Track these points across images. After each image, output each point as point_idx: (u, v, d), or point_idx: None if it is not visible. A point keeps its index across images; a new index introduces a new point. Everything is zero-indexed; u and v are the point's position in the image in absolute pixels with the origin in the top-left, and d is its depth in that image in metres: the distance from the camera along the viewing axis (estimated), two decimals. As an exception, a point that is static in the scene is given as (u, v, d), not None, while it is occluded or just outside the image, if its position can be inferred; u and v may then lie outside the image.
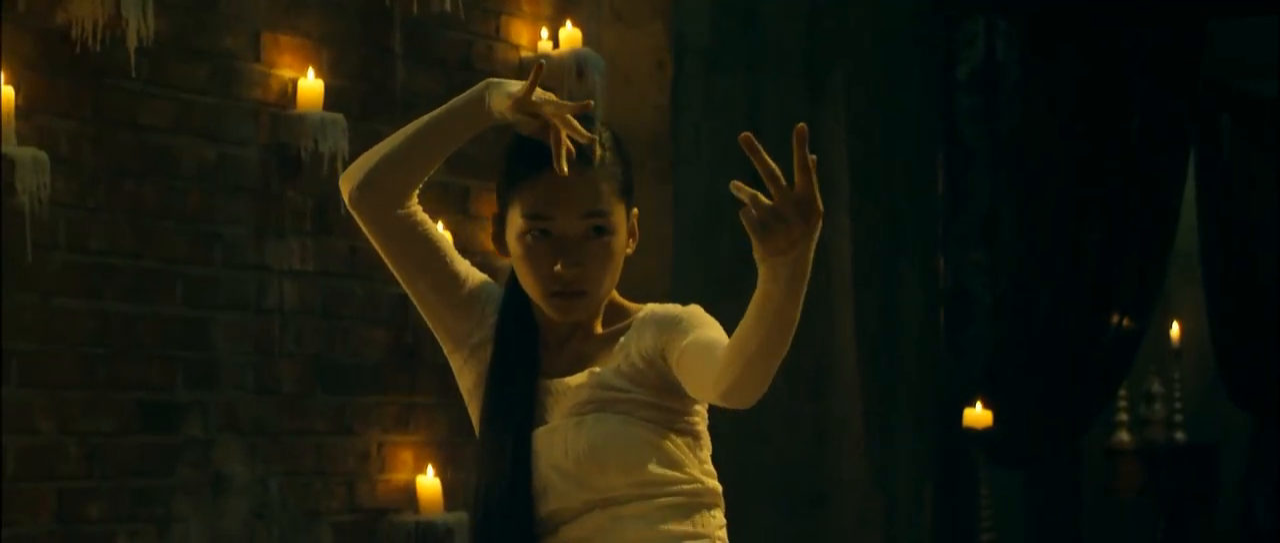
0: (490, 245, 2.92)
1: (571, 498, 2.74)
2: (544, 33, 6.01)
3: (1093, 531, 10.23)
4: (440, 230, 2.85)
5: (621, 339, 2.76)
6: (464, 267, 2.85)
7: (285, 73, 5.27)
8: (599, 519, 2.74)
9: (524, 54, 5.97)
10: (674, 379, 2.71)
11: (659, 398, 2.74)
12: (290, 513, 5.25)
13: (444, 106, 2.77)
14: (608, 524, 2.73)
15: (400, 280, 2.84)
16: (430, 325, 2.87)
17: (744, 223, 2.39)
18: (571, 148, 2.68)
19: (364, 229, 2.81)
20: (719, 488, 2.81)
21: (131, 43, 4.68)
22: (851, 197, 7.14)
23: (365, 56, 5.52)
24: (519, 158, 2.74)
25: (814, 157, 2.37)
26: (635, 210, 2.79)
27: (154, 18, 4.72)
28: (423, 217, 2.81)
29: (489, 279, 2.87)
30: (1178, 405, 10.17)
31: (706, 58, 6.51)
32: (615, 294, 2.81)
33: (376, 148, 2.80)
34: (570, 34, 5.93)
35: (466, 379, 2.85)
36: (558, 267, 2.72)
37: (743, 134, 2.37)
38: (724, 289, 6.21)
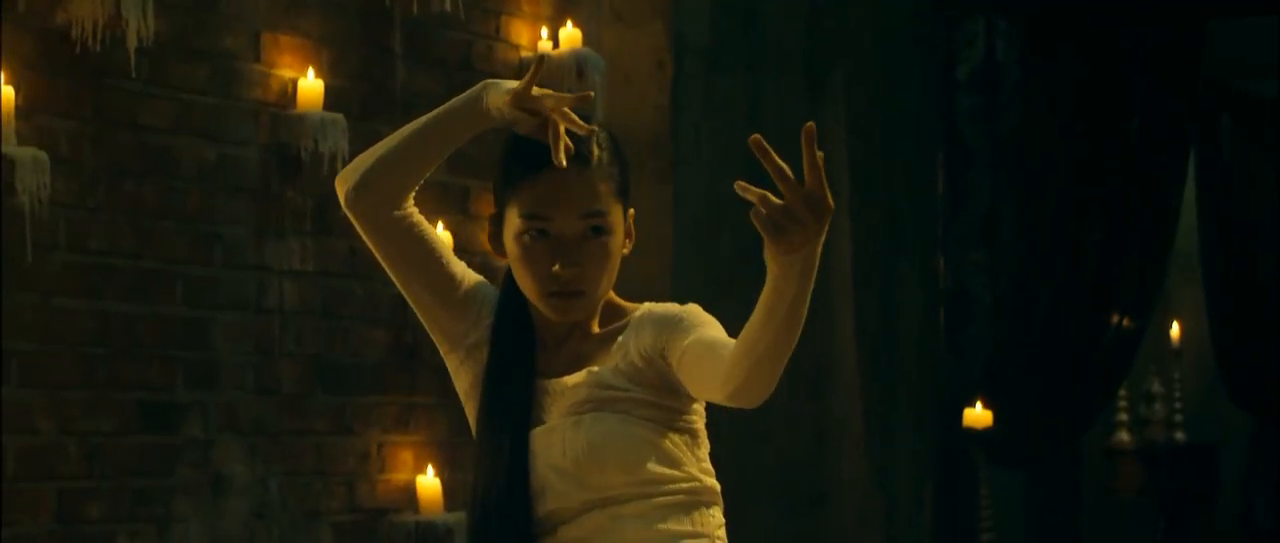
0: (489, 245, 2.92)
1: (570, 498, 2.74)
2: (544, 33, 6.02)
3: (1093, 531, 10.23)
4: (437, 232, 2.85)
5: (619, 338, 2.76)
6: (460, 268, 2.85)
7: (285, 73, 5.28)
8: (598, 519, 2.74)
9: (524, 54, 5.98)
10: (673, 378, 2.71)
11: (658, 397, 2.74)
12: (290, 513, 5.25)
13: (441, 108, 2.77)
14: (607, 524, 2.74)
15: (396, 282, 2.84)
16: (426, 327, 2.87)
17: (755, 223, 2.40)
18: (570, 144, 2.68)
19: (360, 230, 2.81)
20: (717, 486, 2.81)
21: (131, 43, 4.68)
22: (851, 197, 7.14)
23: (365, 56, 5.52)
24: (517, 158, 2.74)
25: (821, 153, 2.38)
26: (632, 211, 2.79)
27: (154, 18, 4.72)
28: (419, 218, 2.81)
29: (484, 280, 2.87)
30: (1178, 406, 10.17)
31: (706, 58, 6.51)
32: (612, 294, 2.81)
33: (373, 149, 2.80)
34: (570, 34, 5.94)
35: (463, 380, 2.85)
36: (556, 267, 2.72)
37: (753, 136, 2.38)
38: (724, 289, 6.21)
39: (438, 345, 2.87)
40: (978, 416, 7.86)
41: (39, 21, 4.65)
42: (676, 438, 2.76)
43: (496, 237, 2.80)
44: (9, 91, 4.45)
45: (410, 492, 5.54)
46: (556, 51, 5.91)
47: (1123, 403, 9.95)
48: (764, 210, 2.39)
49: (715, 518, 2.80)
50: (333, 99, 5.32)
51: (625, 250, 2.79)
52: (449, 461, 5.63)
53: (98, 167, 4.79)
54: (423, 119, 2.78)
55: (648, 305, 2.79)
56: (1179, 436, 10.15)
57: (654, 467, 2.73)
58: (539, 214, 2.72)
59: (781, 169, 2.38)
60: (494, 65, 5.88)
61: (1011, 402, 8.08)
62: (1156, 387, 10.17)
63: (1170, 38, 8.62)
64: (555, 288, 2.74)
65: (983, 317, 8.23)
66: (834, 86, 7.11)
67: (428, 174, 2.78)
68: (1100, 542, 10.25)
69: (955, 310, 8.20)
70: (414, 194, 2.80)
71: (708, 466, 2.80)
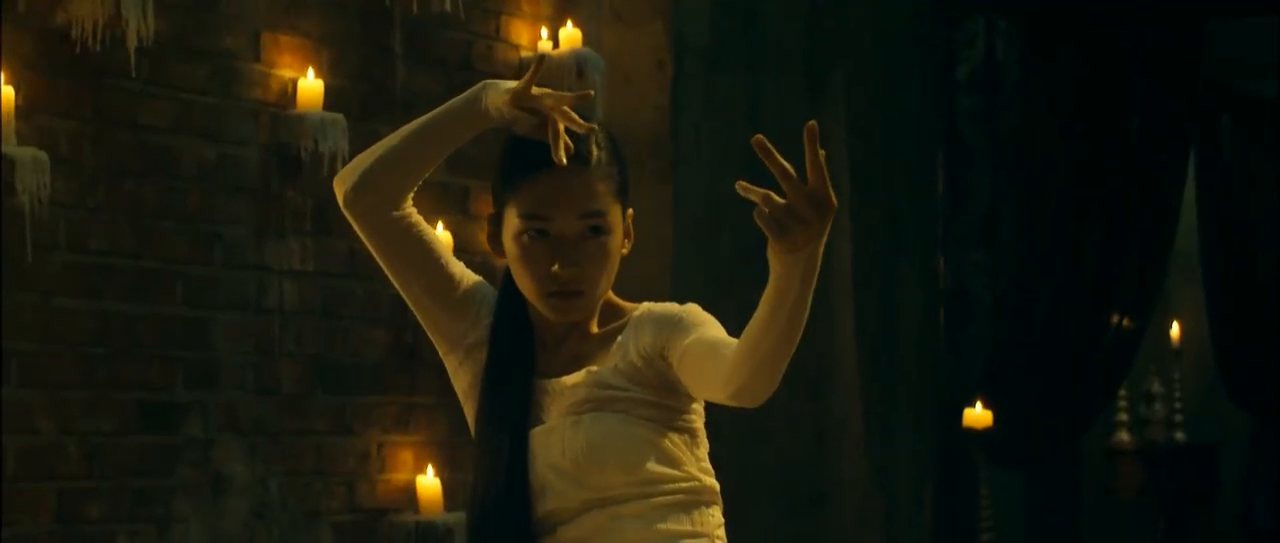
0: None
1: (569, 498, 2.74)
2: (544, 33, 6.02)
3: (1093, 531, 10.23)
4: (437, 232, 2.85)
5: (619, 338, 2.76)
6: (458, 268, 2.85)
7: (285, 73, 5.28)
8: (597, 519, 2.74)
9: (524, 54, 5.98)
10: (673, 378, 2.71)
11: (657, 396, 2.74)
12: (290, 513, 5.25)
13: (440, 108, 2.77)
14: (606, 524, 2.73)
15: (394, 282, 2.84)
16: (425, 327, 2.87)
17: (759, 222, 2.40)
18: (570, 143, 2.68)
19: (358, 231, 2.81)
20: (717, 486, 2.81)
21: (131, 43, 4.68)
22: (851, 197, 7.14)
23: (365, 56, 5.52)
24: (516, 158, 2.74)
25: (824, 151, 2.39)
26: (631, 211, 2.79)
27: (154, 18, 4.72)
28: (418, 218, 2.80)
29: (483, 280, 2.87)
30: (1178, 406, 10.17)
31: (706, 58, 6.51)
32: (611, 294, 2.81)
33: (371, 149, 2.80)
34: (570, 34, 5.94)
35: (462, 381, 2.85)
36: (555, 267, 2.72)
37: (756, 137, 2.38)
38: (724, 289, 6.21)
39: (437, 346, 2.87)
40: (978, 416, 7.86)
41: (39, 21, 4.65)
42: (676, 438, 2.76)
43: (495, 237, 2.80)
44: (9, 91, 4.45)
45: (410, 492, 5.54)
46: (556, 51, 5.91)
47: (1123, 403, 9.95)
48: (767, 210, 2.40)
49: (715, 518, 2.80)
50: (333, 99, 5.32)
51: (624, 250, 2.79)
52: (449, 461, 5.63)
53: (98, 167, 4.79)
54: (422, 119, 2.78)
55: (647, 305, 2.79)
56: (1179, 436, 10.15)
57: (653, 466, 2.73)
58: (538, 214, 2.72)
59: (785, 168, 2.38)
60: (494, 65, 5.88)
61: (1011, 402, 8.08)
62: (1156, 387, 10.17)
63: (1170, 38, 8.62)
64: (554, 288, 2.73)
65: (983, 317, 8.23)
66: (834, 86, 7.11)
67: (427, 175, 2.78)
68: (1100, 542, 10.25)
69: (955, 310, 8.20)
70: (413, 194, 2.80)
71: (707, 465, 2.80)
